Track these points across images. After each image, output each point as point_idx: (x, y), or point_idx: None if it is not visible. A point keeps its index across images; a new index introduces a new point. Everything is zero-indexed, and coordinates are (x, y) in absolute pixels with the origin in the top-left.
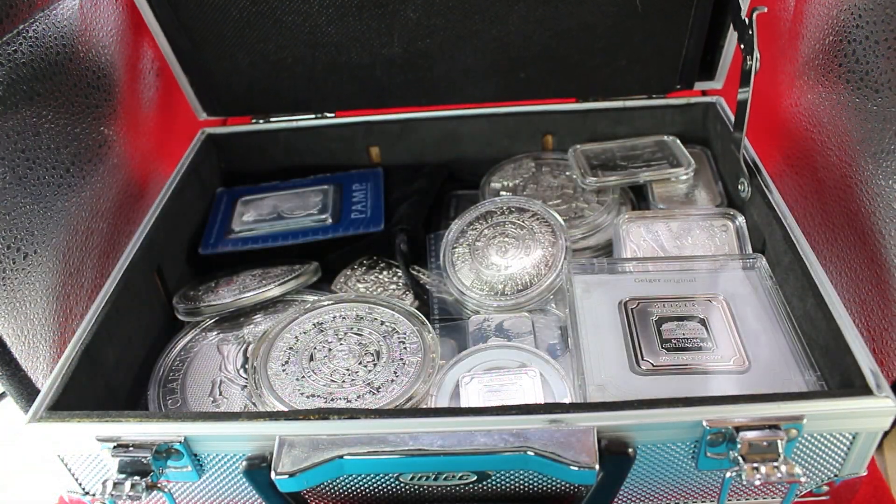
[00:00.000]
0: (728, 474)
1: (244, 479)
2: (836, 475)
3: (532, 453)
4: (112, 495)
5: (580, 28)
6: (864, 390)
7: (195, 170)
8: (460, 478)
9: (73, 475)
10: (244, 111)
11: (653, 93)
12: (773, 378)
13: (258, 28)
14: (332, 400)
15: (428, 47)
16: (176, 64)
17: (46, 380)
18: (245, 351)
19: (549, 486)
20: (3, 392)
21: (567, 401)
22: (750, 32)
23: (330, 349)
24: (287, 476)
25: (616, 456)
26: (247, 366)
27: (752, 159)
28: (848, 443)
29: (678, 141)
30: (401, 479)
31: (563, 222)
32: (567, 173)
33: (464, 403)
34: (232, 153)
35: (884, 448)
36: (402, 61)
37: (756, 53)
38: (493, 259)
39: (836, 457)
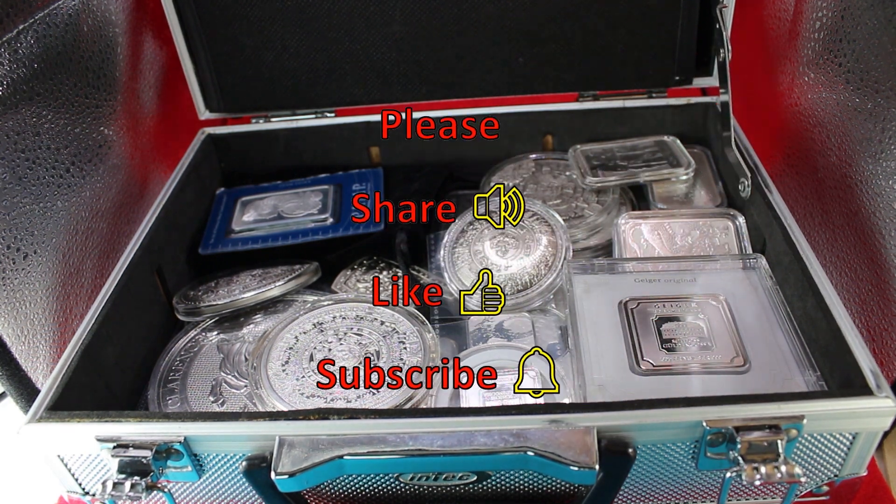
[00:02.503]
0: (728, 474)
1: (244, 480)
2: (836, 475)
3: (532, 453)
4: (112, 495)
5: (576, 9)
6: (864, 390)
7: (195, 170)
8: (460, 478)
9: (73, 475)
10: (244, 106)
11: (651, 85)
12: (773, 378)
13: (262, 8)
14: (332, 400)
15: (428, 26)
16: (184, 47)
17: (46, 380)
18: (245, 351)
19: (549, 486)
20: (3, 392)
21: (567, 401)
22: (718, 25)
23: (330, 349)
24: (287, 476)
25: (616, 456)
26: (247, 366)
27: (752, 159)
28: (848, 443)
29: (678, 141)
30: (401, 480)
31: (563, 222)
32: (567, 173)
33: (464, 403)
34: (232, 153)
35: (884, 448)
36: (403, 43)
37: (727, 45)
38: (493, 259)
39: (836, 457)
